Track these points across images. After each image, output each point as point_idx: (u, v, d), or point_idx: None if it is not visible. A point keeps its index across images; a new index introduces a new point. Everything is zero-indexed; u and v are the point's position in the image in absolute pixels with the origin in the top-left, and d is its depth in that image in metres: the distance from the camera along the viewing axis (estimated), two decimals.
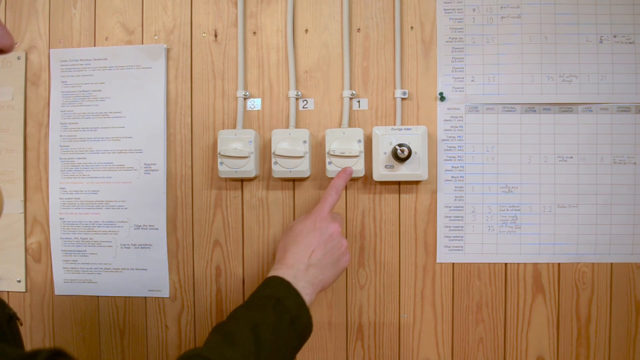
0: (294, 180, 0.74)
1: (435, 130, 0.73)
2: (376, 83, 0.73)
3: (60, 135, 0.77)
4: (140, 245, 0.76)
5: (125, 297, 0.77)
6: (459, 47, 0.72)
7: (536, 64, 0.71)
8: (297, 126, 0.74)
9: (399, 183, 0.73)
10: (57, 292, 0.78)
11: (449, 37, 0.72)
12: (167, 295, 0.76)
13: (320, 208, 0.63)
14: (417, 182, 0.73)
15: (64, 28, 0.77)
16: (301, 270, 0.58)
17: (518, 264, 0.72)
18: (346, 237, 0.73)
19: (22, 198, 0.77)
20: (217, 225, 0.76)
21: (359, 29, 0.74)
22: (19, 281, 0.78)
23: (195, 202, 0.76)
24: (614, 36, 0.71)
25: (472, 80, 0.72)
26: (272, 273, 0.58)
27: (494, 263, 0.73)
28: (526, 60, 0.72)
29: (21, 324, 0.50)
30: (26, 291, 0.79)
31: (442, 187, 0.73)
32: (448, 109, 0.72)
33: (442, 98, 0.72)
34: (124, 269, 0.76)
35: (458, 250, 0.73)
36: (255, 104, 0.75)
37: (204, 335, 0.76)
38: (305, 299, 0.55)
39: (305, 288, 0.56)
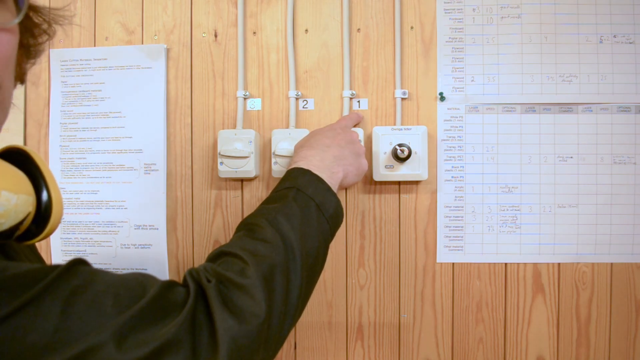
0: None
1: (435, 130, 0.73)
2: (376, 83, 0.73)
3: (60, 135, 0.77)
4: (140, 245, 0.76)
5: None
6: (459, 47, 0.72)
7: (536, 64, 0.71)
8: (297, 126, 0.74)
9: (399, 183, 0.73)
10: None
11: (449, 37, 0.72)
12: None
13: (338, 121, 0.63)
14: (417, 182, 0.73)
15: (64, 28, 0.77)
16: (323, 153, 0.55)
17: (518, 264, 0.72)
18: (346, 237, 0.74)
19: None
20: (217, 225, 0.76)
21: (359, 29, 0.74)
22: None
23: (195, 202, 0.76)
24: (614, 36, 0.71)
25: (472, 80, 0.72)
26: (292, 165, 0.55)
27: (494, 263, 0.73)
28: (526, 60, 0.72)
29: None
30: None
31: (442, 187, 0.73)
32: (448, 109, 0.72)
33: (442, 98, 0.72)
34: (124, 269, 0.76)
35: (458, 250, 0.73)
36: (255, 104, 0.75)
37: None
38: (330, 184, 0.53)
39: (329, 172, 0.54)
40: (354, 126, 0.71)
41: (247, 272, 0.41)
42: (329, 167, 0.54)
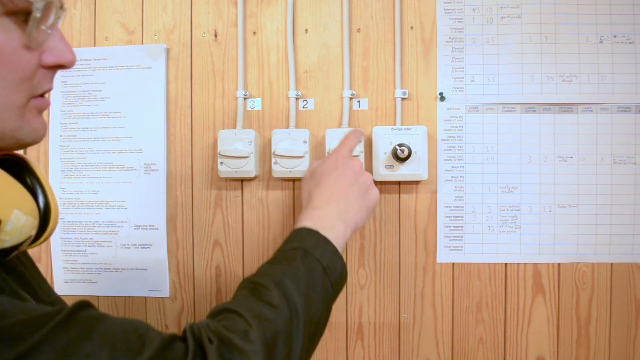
0: (294, 180, 0.74)
1: (435, 130, 0.73)
2: (376, 83, 0.73)
3: (60, 135, 0.77)
4: (140, 245, 0.76)
5: (125, 297, 0.77)
6: (459, 47, 0.72)
7: (536, 64, 0.71)
8: (297, 126, 0.74)
9: (399, 183, 0.73)
10: (57, 291, 0.77)
11: (449, 37, 0.72)
12: (167, 295, 0.76)
13: (339, 148, 0.61)
14: (417, 182, 0.73)
15: (64, 28, 0.77)
16: (328, 210, 0.54)
17: (518, 264, 0.72)
18: None
19: None
20: (217, 225, 0.76)
21: (359, 29, 0.74)
22: None
23: (195, 202, 0.76)
24: (614, 36, 0.71)
25: (472, 80, 0.72)
26: (298, 224, 0.54)
27: (494, 263, 0.73)
28: (526, 60, 0.72)
29: None
30: None
31: (442, 187, 0.73)
32: (448, 109, 0.72)
33: (442, 98, 0.72)
34: (124, 269, 0.76)
35: (458, 250, 0.73)
36: (255, 104, 0.75)
37: None
38: (336, 245, 0.52)
39: (335, 231, 0.52)
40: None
41: (251, 336, 0.40)
42: (334, 227, 0.53)
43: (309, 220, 0.53)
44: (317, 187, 0.58)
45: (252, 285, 0.47)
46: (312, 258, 0.49)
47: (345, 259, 0.53)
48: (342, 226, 0.54)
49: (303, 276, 0.47)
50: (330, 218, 0.54)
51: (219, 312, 0.44)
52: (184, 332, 0.39)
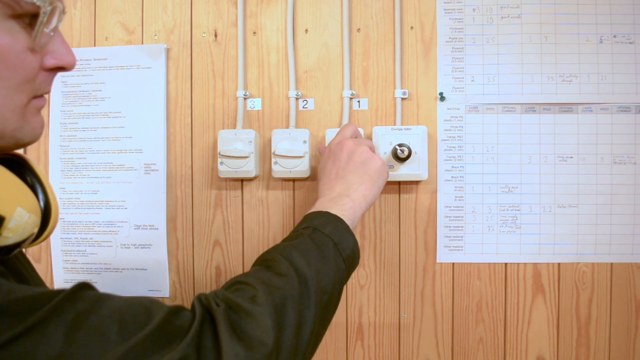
0: (294, 180, 0.74)
1: (435, 130, 0.73)
2: (376, 83, 0.73)
3: (60, 135, 0.77)
4: (140, 245, 0.76)
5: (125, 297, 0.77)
6: (459, 47, 0.72)
7: (536, 64, 0.71)
8: (297, 126, 0.74)
9: (399, 183, 0.73)
10: None
11: (449, 37, 0.72)
12: (167, 295, 0.76)
13: (334, 138, 0.61)
14: (417, 182, 0.73)
15: (64, 28, 0.77)
16: (331, 194, 0.54)
17: (518, 264, 0.72)
18: None
19: None
20: (217, 225, 0.76)
21: (359, 29, 0.74)
22: None
23: (195, 202, 0.76)
24: (614, 36, 0.71)
25: (472, 80, 0.72)
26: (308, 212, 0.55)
27: (494, 263, 0.73)
28: (526, 60, 0.72)
29: None
30: None
31: (442, 187, 0.73)
32: (448, 109, 0.72)
33: (442, 98, 0.72)
34: (124, 269, 0.76)
35: (458, 250, 0.73)
36: (255, 104, 0.75)
37: None
38: (346, 221, 0.51)
39: (342, 208, 0.52)
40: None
41: (258, 299, 0.40)
42: (340, 204, 0.53)
43: (316, 208, 0.54)
44: (319, 182, 0.59)
45: (261, 261, 0.48)
46: (322, 234, 0.49)
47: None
48: (348, 202, 0.53)
49: (312, 249, 0.48)
50: (335, 199, 0.54)
51: (229, 285, 0.45)
52: (193, 302, 0.39)
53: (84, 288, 0.35)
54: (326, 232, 0.50)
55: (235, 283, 0.44)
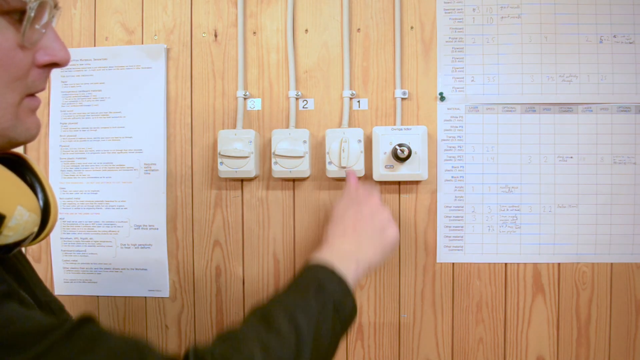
0: (294, 180, 0.74)
1: (435, 130, 0.73)
2: (376, 83, 0.73)
3: (60, 135, 0.77)
4: (140, 245, 0.76)
5: (125, 297, 0.77)
6: (459, 47, 0.72)
7: (536, 64, 0.71)
8: (297, 126, 0.74)
9: (399, 183, 0.73)
10: (57, 291, 0.78)
11: (449, 37, 0.72)
12: (167, 295, 0.76)
13: (349, 187, 0.61)
14: (417, 182, 0.73)
15: (64, 28, 0.77)
16: (342, 246, 0.54)
17: (518, 264, 0.72)
18: None
19: None
20: (217, 225, 0.76)
21: (359, 29, 0.74)
22: None
23: (195, 202, 0.76)
24: (614, 36, 0.71)
25: (472, 80, 0.72)
26: (314, 259, 0.54)
27: (494, 263, 0.73)
28: (526, 60, 0.72)
29: None
30: None
31: (442, 187, 0.73)
32: (448, 109, 0.72)
33: (442, 98, 0.72)
34: (124, 269, 0.76)
35: (458, 250, 0.73)
36: (255, 104, 0.75)
37: (204, 335, 0.76)
38: (349, 282, 0.51)
39: (349, 268, 0.52)
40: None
41: None
42: (345, 264, 0.53)
43: (322, 256, 0.53)
44: (332, 223, 0.58)
45: (263, 313, 0.47)
46: (325, 293, 0.49)
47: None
48: (353, 265, 0.53)
49: (314, 310, 0.47)
50: (343, 255, 0.53)
51: (226, 338, 0.44)
52: (187, 355, 0.38)
53: (84, 324, 0.35)
54: (329, 291, 0.49)
55: (233, 337, 0.44)
